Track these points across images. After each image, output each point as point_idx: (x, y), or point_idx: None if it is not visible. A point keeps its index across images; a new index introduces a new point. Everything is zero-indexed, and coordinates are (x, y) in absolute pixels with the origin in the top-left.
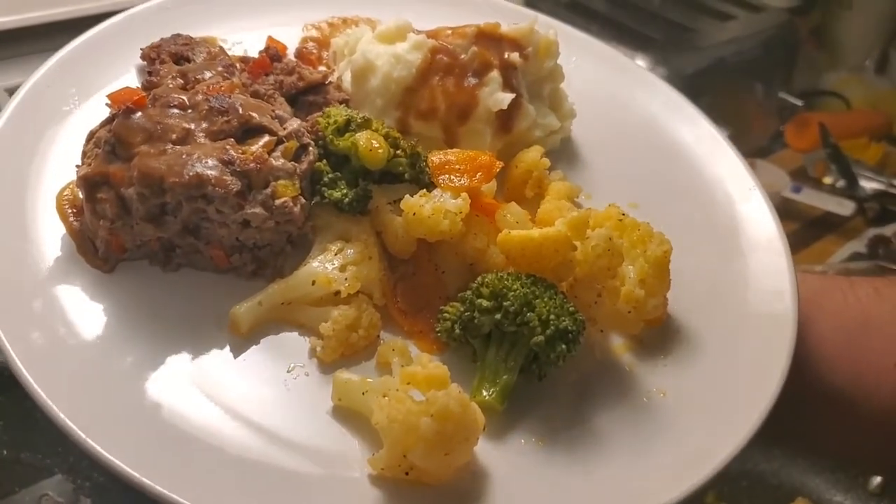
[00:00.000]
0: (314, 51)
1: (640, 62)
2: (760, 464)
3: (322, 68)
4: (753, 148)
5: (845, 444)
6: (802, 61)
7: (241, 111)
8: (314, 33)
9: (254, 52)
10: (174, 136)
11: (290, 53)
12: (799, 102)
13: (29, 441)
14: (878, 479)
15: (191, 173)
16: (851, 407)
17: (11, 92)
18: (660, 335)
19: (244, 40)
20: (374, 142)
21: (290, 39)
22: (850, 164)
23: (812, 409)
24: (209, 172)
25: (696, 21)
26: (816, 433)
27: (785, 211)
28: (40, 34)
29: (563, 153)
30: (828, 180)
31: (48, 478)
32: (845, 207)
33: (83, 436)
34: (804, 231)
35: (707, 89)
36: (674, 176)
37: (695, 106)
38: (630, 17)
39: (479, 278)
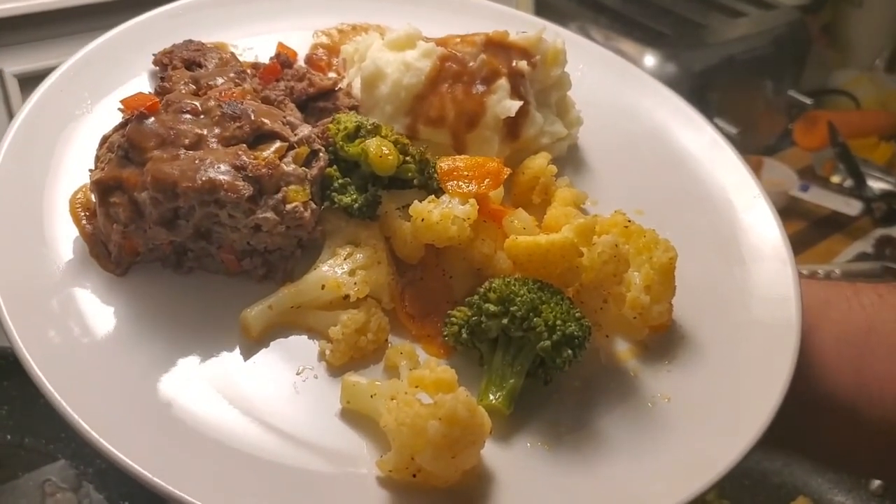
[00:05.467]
0: (324, 57)
1: (650, 58)
2: (762, 462)
3: (332, 75)
4: (762, 146)
5: (848, 452)
6: (812, 59)
7: (253, 117)
8: (324, 40)
9: (264, 58)
10: (187, 142)
11: (301, 59)
12: (808, 101)
13: (32, 426)
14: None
15: (203, 178)
16: (855, 415)
17: (21, 78)
18: (664, 341)
19: (255, 46)
20: (384, 148)
21: (300, 45)
22: (859, 163)
23: (815, 417)
24: (222, 177)
25: (707, 17)
26: (819, 441)
27: (792, 210)
28: (49, 20)
29: (570, 160)
30: (836, 179)
31: (51, 463)
32: (853, 207)
33: (96, 434)
34: (811, 230)
35: (716, 86)
36: (679, 183)
37: (700, 114)
38: (640, 12)
39: (487, 283)
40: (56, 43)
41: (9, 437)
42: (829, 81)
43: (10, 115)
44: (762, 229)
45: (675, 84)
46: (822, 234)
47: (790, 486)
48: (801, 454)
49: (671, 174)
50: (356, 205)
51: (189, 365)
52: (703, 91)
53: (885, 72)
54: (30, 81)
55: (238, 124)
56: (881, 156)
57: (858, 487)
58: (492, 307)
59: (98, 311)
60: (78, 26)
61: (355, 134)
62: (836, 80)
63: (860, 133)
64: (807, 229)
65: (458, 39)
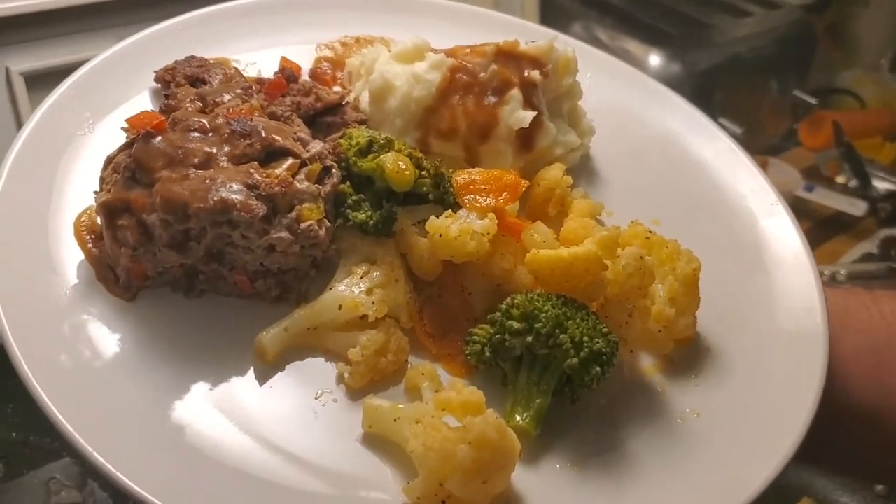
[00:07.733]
0: (328, 71)
1: (655, 57)
2: None
3: (337, 88)
4: (766, 146)
5: (868, 462)
6: (817, 59)
7: (263, 134)
8: (328, 53)
9: (268, 73)
10: (196, 161)
11: (305, 74)
12: (813, 100)
13: (37, 424)
14: None
15: (215, 198)
16: (877, 424)
17: (27, 76)
18: (690, 354)
19: (257, 61)
20: (401, 163)
21: (303, 59)
22: (864, 163)
23: (837, 427)
24: (234, 197)
25: (712, 17)
26: (839, 451)
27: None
28: (55, 18)
29: (583, 170)
30: (840, 179)
31: (56, 461)
32: (858, 207)
33: (106, 463)
34: (816, 231)
35: (721, 86)
36: (694, 191)
37: (713, 121)
38: (645, 12)
39: (509, 299)
40: (62, 41)
41: (14, 434)
42: (834, 81)
43: (17, 113)
44: (783, 237)
45: (679, 84)
46: (827, 235)
47: (795, 487)
48: (817, 465)
49: (686, 182)
50: (371, 222)
51: (202, 391)
52: (707, 91)
53: (890, 71)
54: (36, 79)
55: (248, 142)
56: (886, 156)
57: (863, 489)
58: (515, 324)
59: (108, 335)
60: (83, 25)
61: (368, 149)
62: (841, 79)
63: (865, 133)
64: (811, 230)
65: (468, 50)
